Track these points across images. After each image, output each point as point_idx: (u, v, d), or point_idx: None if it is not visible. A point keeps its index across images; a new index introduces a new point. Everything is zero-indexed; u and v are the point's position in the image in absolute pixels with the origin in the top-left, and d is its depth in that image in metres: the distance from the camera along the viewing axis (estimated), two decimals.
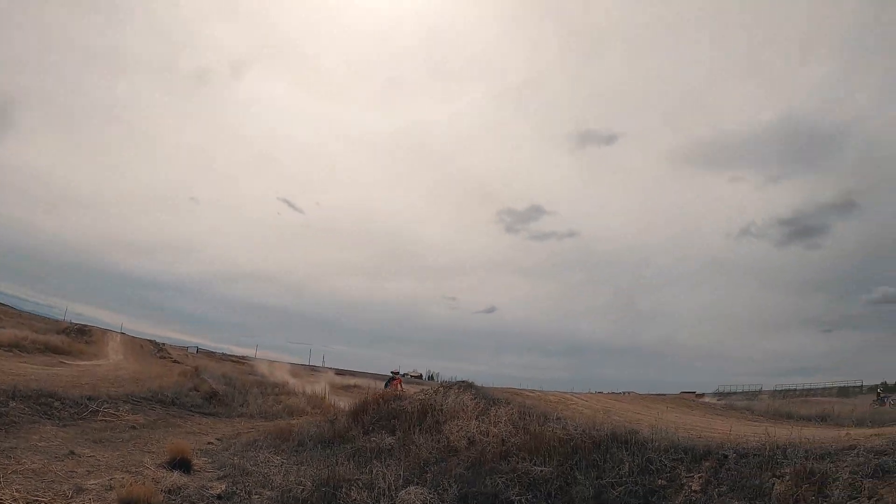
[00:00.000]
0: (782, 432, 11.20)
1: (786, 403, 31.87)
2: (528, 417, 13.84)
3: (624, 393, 31.40)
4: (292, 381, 30.12)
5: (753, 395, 45.83)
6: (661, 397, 27.76)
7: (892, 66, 64.92)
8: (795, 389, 47.85)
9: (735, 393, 46.98)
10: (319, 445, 15.58)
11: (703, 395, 44.85)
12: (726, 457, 10.74)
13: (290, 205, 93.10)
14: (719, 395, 46.39)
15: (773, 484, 9.61)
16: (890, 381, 45.34)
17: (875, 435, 10.60)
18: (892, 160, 60.89)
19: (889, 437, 9.83)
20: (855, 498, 8.33)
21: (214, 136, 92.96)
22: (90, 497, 10.05)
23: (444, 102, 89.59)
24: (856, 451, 9.26)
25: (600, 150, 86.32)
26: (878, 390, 33.25)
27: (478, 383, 17.24)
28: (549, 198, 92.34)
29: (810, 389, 47.31)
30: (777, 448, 10.21)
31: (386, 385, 23.97)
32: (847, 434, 11.38)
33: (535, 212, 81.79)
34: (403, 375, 37.40)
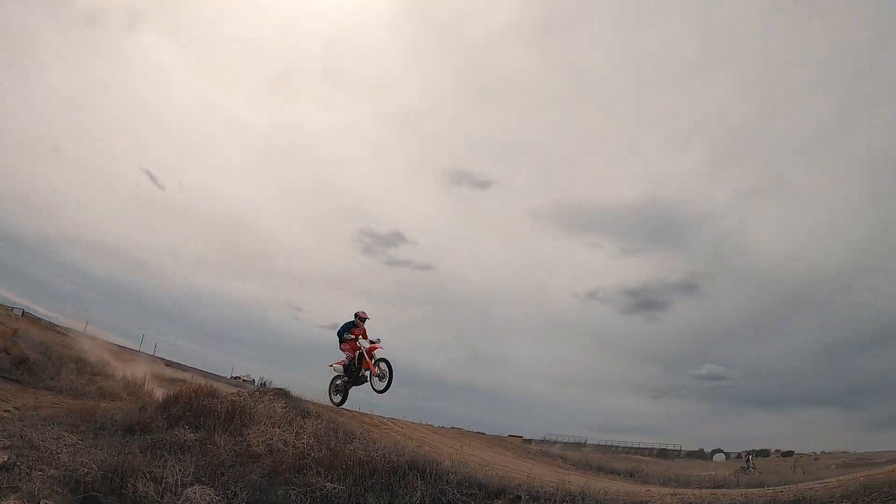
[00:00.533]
0: (578, 480, 11.89)
1: (605, 457, 33.97)
2: (333, 433, 13.99)
3: (451, 428, 32.03)
4: (114, 364, 28.66)
5: (579, 446, 48.03)
6: (482, 436, 28.56)
7: (750, 173, 70.81)
8: (618, 446, 50.78)
9: (562, 442, 48.95)
10: (121, 432, 15.08)
11: (530, 440, 46.48)
12: (519, 497, 11.29)
13: (153, 178, 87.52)
14: (546, 442, 48.19)
15: None
16: (707, 449, 49.22)
17: (670, 494, 11.43)
18: (733, 256, 66.46)
19: (681, 497, 10.63)
20: None
21: (92, 85, 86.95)
22: None
23: (330, 111, 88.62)
24: None
25: (472, 192, 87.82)
26: (747, 457, 35.70)
27: (306, 396, 17.21)
28: (413, 228, 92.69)
29: (632, 448, 50.38)
30: (568, 495, 10.83)
31: (341, 341, 18.21)
32: (647, 491, 12.20)
33: (396, 238, 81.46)
34: (236, 378, 34.24)
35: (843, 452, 40.61)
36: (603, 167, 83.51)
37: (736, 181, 72.92)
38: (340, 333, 18.12)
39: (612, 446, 50.94)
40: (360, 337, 18.01)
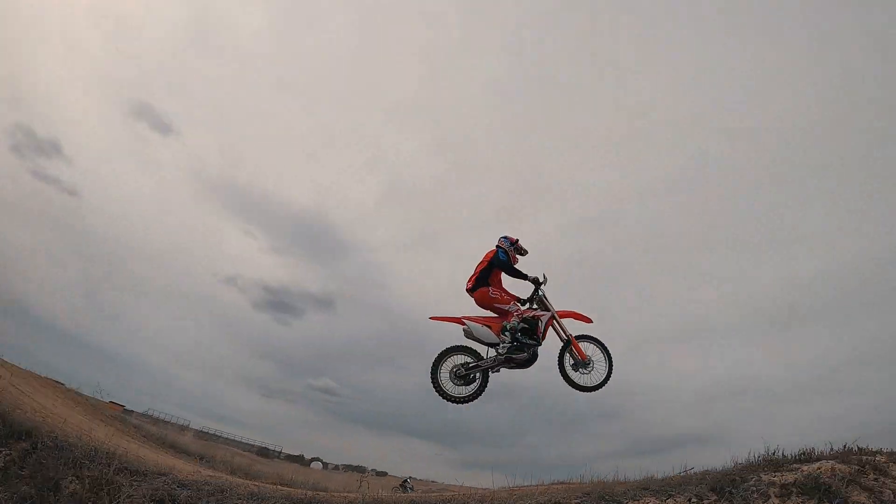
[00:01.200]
0: (107, 438, 12.30)
1: (195, 441, 34.29)
2: None
3: (46, 377, 29.59)
4: None
5: (181, 428, 46.70)
6: (61, 387, 26.80)
7: (416, 218, 78.31)
8: (221, 436, 50.85)
9: (163, 421, 47.35)
10: None
11: (132, 412, 44.87)
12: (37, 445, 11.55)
13: None
14: (148, 417, 46.48)
15: (71, 482, 10.66)
16: (308, 455, 51.81)
17: (199, 472, 12.37)
18: (376, 285, 73.03)
19: (201, 477, 11.68)
20: None
21: None
22: None
23: None
24: (165, 479, 10.81)
25: (151, 133, 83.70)
26: (405, 480, 37.21)
27: None
28: (75, 146, 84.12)
29: (234, 441, 50.78)
30: (91, 451, 11.38)
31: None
32: (173, 467, 13.09)
33: (53, 148, 73.02)
34: None
35: (432, 481, 43.74)
36: (294, 166, 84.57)
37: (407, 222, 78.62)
38: (505, 264, 9.85)
39: (214, 434, 51.38)
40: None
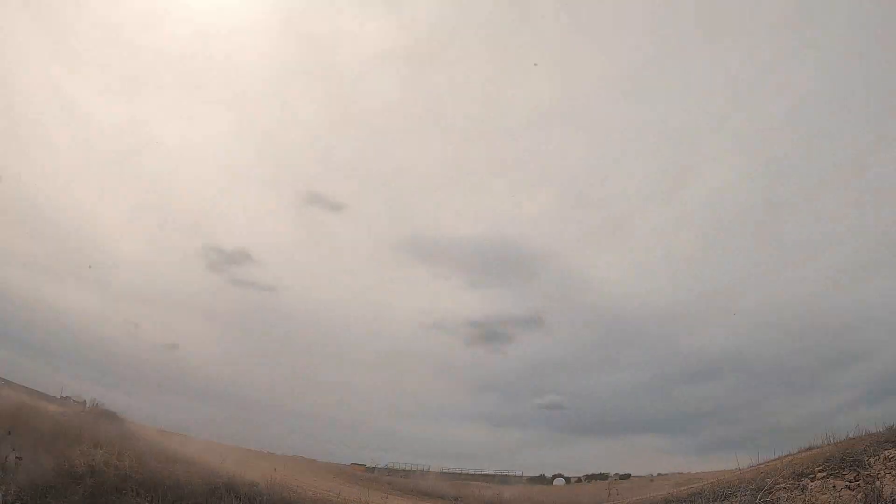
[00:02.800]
0: (379, 500, 13.26)
1: (437, 483, 35.37)
2: (155, 456, 14.58)
3: (293, 455, 32.30)
4: None
5: (423, 474, 48.54)
6: (316, 463, 29.09)
7: (594, 217, 75.34)
8: (461, 473, 52.17)
9: (405, 470, 49.49)
10: None
11: (373, 468, 47.21)
12: None
13: None
14: (389, 470, 48.78)
15: None
16: (548, 474, 51.94)
17: None
18: (576, 291, 70.48)
19: None
20: None
21: None
22: None
23: (185, 119, 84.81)
24: None
25: (325, 215, 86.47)
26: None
27: (136, 418, 17.49)
28: (261, 248, 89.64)
29: (475, 475, 51.97)
30: None
31: None
32: None
33: (243, 257, 78.88)
34: (66, 398, 33.26)
35: (678, 473, 41.63)
36: (451, 202, 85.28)
37: (580, 218, 77.04)
38: None
39: (456, 474, 51.60)
40: None
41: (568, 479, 51.74)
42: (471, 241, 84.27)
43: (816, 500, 8.80)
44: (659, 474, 44.24)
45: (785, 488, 9.32)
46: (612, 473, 49.22)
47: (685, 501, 10.60)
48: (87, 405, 20.44)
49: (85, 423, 15.96)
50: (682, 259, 72.36)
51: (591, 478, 51.00)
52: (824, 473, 9.07)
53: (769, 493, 9.16)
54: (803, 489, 9.14)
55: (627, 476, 47.00)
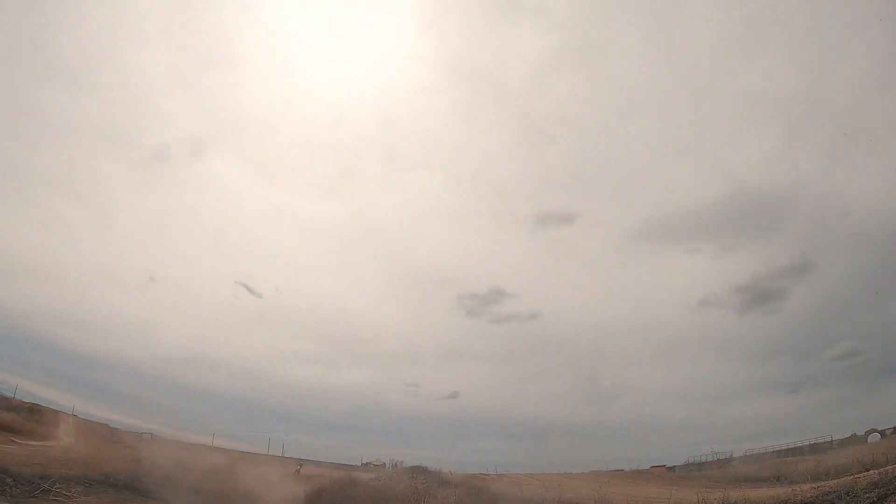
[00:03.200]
0: (719, 496, 11.70)
1: (752, 468, 32.25)
2: (476, 499, 14.19)
3: (590, 472, 31.34)
4: (246, 470, 29.79)
5: (725, 462, 45.34)
6: (620, 472, 27.86)
7: (828, 133, 67.67)
8: (766, 452, 47.54)
9: (706, 462, 46.56)
10: None
11: (674, 467, 44.72)
12: None
13: (248, 289, 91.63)
14: (690, 465, 46.04)
15: None
16: (860, 432, 45.79)
17: (813, 488, 11.17)
18: (840, 219, 62.62)
19: (823, 488, 10.41)
20: None
21: (173, 214, 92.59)
22: None
23: (399, 191, 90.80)
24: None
25: (560, 230, 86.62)
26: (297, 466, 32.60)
27: (440, 469, 17.60)
28: (510, 280, 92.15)
29: (780, 451, 47.20)
30: None
31: None
32: (791, 491, 11.92)
33: (497, 294, 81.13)
34: (366, 464, 35.14)
35: None
36: (674, 174, 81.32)
37: (817, 143, 69.48)
38: None
39: (759, 454, 47.07)
40: None
41: (883, 433, 44.89)
42: (709, 206, 79.40)
43: None
44: None
45: None
46: None
47: None
48: (388, 466, 20.86)
49: (399, 482, 15.98)
50: None
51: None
52: None
53: None
54: None
55: None
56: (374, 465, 29.20)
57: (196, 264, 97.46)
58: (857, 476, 11.08)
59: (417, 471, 16.87)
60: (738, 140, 75.20)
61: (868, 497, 8.49)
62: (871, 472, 11.70)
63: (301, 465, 29.92)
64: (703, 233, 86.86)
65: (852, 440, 45.27)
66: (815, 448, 45.04)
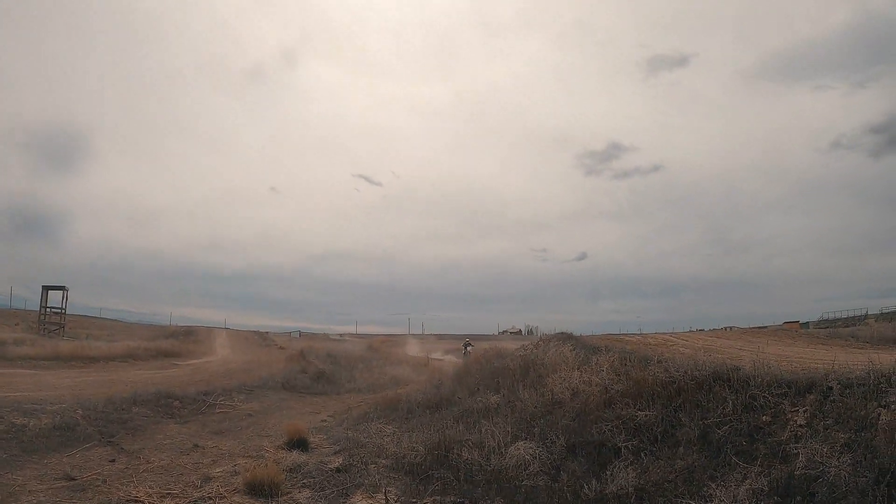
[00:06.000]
0: (887, 359, 10.66)
1: (892, 327, 30.07)
2: (629, 363, 13.57)
3: (725, 328, 30.32)
4: (394, 352, 30.70)
5: (859, 320, 42.41)
6: (762, 330, 26.67)
7: None
8: None
9: (840, 319, 44.07)
10: (428, 411, 15.80)
11: (807, 323, 42.86)
12: (831, 388, 10.28)
13: (368, 179, 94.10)
14: (824, 322, 43.98)
15: (879, 414, 9.22)
16: None
17: None
18: None
19: None
20: None
21: (281, 126, 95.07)
22: (218, 484, 10.53)
23: (499, 59, 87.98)
24: None
25: (673, 74, 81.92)
26: (465, 343, 30.32)
27: (576, 333, 17.08)
28: (628, 133, 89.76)
29: None
30: (882, 376, 9.76)
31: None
32: None
33: (616, 149, 78.86)
34: (503, 333, 35.90)
35: None
36: (792, 1, 73.68)
37: None
38: None
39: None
40: None
41: None
42: (834, 37, 71.71)
43: None
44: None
45: None
46: None
47: None
48: (523, 333, 21.05)
49: (546, 351, 15.53)
50: None
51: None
52: None
53: None
54: None
55: None
56: (511, 333, 29.20)
57: (313, 167, 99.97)
58: None
59: (564, 338, 16.30)
60: None
61: None
62: None
63: (470, 344, 29.98)
64: (831, 67, 79.12)
65: None
66: None
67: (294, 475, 11.82)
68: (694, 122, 78.87)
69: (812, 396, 10.38)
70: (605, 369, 13.79)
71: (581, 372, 14.12)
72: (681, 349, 16.37)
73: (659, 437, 11.49)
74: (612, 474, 11.26)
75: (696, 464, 10.72)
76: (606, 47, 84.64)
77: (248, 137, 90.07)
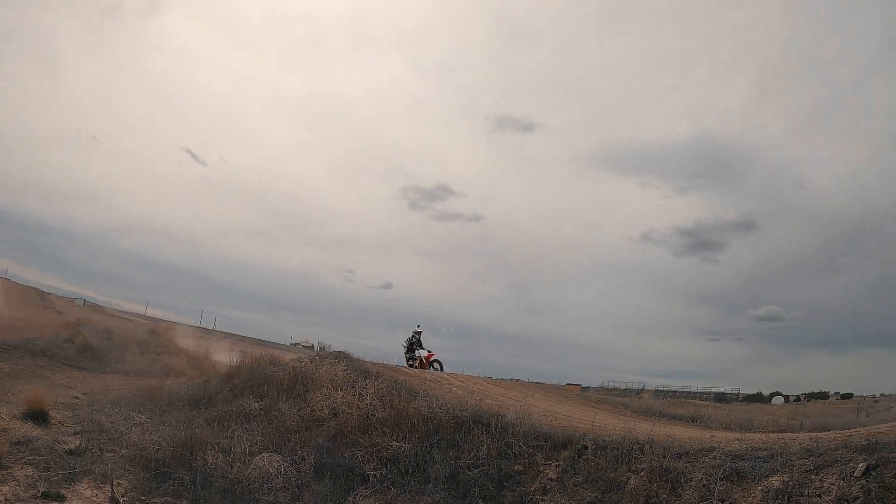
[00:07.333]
0: (645, 428, 11.50)
1: (664, 403, 33.28)
2: (396, 393, 13.82)
3: (511, 380, 32.16)
4: (176, 342, 29.31)
5: (636, 392, 47.96)
6: (543, 385, 28.30)
7: (804, 100, 67.58)
8: (676, 391, 50.15)
9: (619, 389, 48.35)
10: (187, 407, 15.26)
11: (588, 388, 46.28)
12: (585, 448, 10.97)
13: (194, 156, 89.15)
14: (603, 389, 47.74)
15: (628, 478, 9.87)
16: (766, 392, 48.27)
17: (737, 439, 11.01)
18: (792, 189, 64.23)
19: (749, 442, 10.21)
20: (707, 499, 8.63)
21: (121, 74, 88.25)
22: None
23: (362, 72, 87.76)
24: (714, 454, 9.56)
25: (517, 136, 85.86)
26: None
27: (365, 357, 17.16)
28: (459, 179, 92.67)
29: (690, 392, 49.45)
30: (636, 443, 10.47)
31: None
32: (712, 437, 11.78)
33: (443, 191, 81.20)
34: (294, 345, 34.54)
35: None
36: (648, 104, 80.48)
37: (790, 106, 69.76)
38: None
39: (670, 391, 50.70)
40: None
41: (787, 398, 48.22)
42: (672, 145, 79.15)
43: None
44: (882, 395, 40.28)
45: None
46: (832, 392, 46.96)
47: None
48: (316, 349, 20.77)
49: (320, 367, 15.48)
50: None
51: (811, 396, 47.72)
52: None
53: None
54: None
55: (850, 395, 43.94)
56: (304, 347, 28.96)
57: (142, 126, 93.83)
58: (781, 436, 10.84)
59: (340, 356, 16.30)
60: (717, 84, 73.99)
61: (803, 464, 8.11)
62: (799, 434, 11.53)
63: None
64: (660, 169, 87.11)
65: (757, 398, 48.22)
66: (721, 397, 47.99)
67: (20, 449, 11.10)
68: (523, 186, 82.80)
69: (567, 452, 11.06)
70: (370, 394, 13.96)
71: (345, 393, 14.23)
72: (455, 389, 16.84)
73: (410, 471, 11.77)
74: (354, 501, 11.38)
75: (441, 502, 11.04)
76: (463, 93, 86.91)
77: (85, 74, 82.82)
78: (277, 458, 12.04)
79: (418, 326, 22.50)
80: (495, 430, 11.95)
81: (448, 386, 17.37)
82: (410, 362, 21.62)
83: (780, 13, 67.41)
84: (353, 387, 14.41)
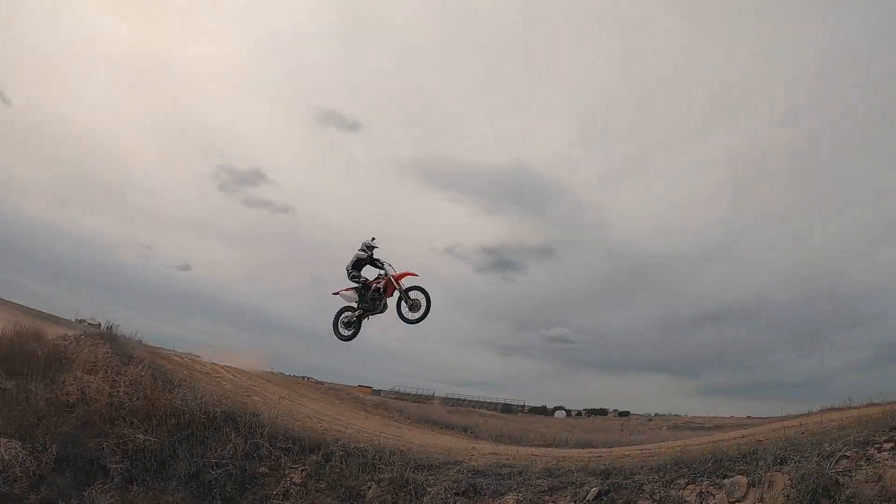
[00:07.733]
0: (397, 436, 12.26)
1: (446, 412, 35.51)
2: (152, 382, 13.77)
3: (304, 377, 32.99)
4: None
5: (427, 398, 50.70)
6: (325, 385, 28.99)
7: (618, 152, 72.76)
8: (465, 399, 53.70)
9: (410, 394, 50.36)
10: None
11: (380, 391, 48.12)
12: (333, 453, 11.59)
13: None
14: (395, 393, 49.63)
15: (370, 487, 10.62)
16: (550, 405, 52.54)
17: (492, 454, 11.99)
18: (594, 226, 69.82)
19: (498, 458, 11.19)
20: None
21: None
22: None
23: (199, 38, 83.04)
24: (458, 468, 10.43)
25: (339, 134, 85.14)
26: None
27: (157, 343, 16.83)
28: (273, 167, 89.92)
29: (479, 402, 52.90)
30: (383, 452, 11.22)
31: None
32: (472, 448, 12.73)
33: (256, 177, 78.34)
34: (80, 321, 31.24)
35: (675, 415, 44.29)
36: (476, 127, 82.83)
37: (604, 148, 74.83)
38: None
39: (459, 399, 53.65)
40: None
41: (569, 412, 53.04)
42: (489, 169, 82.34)
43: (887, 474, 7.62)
44: (657, 414, 46.66)
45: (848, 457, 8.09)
46: (611, 409, 51.99)
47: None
48: (103, 328, 19.88)
49: (83, 347, 15.02)
50: (704, 203, 70.57)
51: (591, 412, 52.82)
52: (892, 444, 7.85)
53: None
54: (869, 459, 7.89)
55: (627, 413, 49.26)
56: (90, 324, 27.71)
57: None
58: (534, 452, 12.04)
59: (108, 338, 15.97)
60: (545, 122, 77.65)
61: (540, 484, 9.16)
62: (553, 451, 12.79)
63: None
64: (473, 189, 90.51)
65: (542, 410, 52.83)
66: (508, 408, 52.36)
67: None
68: (336, 183, 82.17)
69: (315, 457, 11.68)
70: (126, 382, 13.85)
71: (99, 378, 13.95)
72: (224, 384, 16.89)
73: (154, 467, 11.88)
74: (91, 496, 11.36)
75: (181, 502, 11.31)
76: (294, 79, 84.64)
77: None
78: (17, 445, 11.78)
79: (372, 239, 14.69)
80: (245, 429, 12.29)
81: (218, 379, 17.32)
82: (362, 291, 14.13)
83: (617, 71, 71.41)
84: (110, 372, 14.17)
